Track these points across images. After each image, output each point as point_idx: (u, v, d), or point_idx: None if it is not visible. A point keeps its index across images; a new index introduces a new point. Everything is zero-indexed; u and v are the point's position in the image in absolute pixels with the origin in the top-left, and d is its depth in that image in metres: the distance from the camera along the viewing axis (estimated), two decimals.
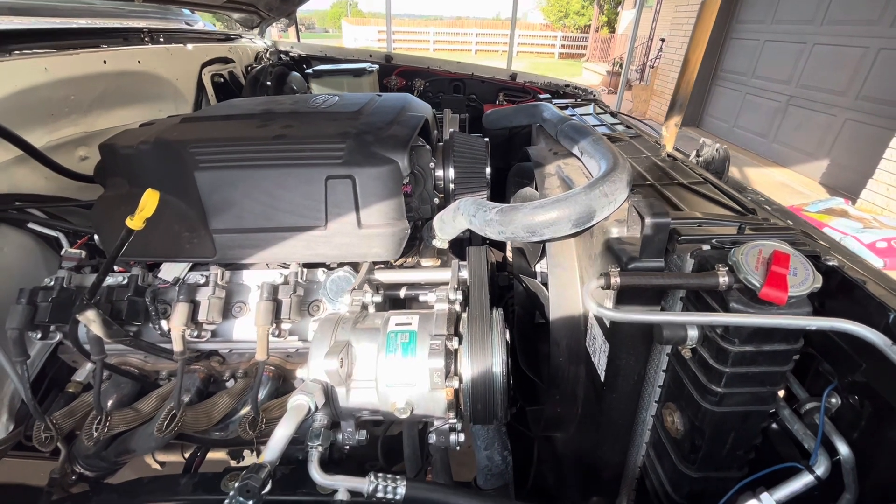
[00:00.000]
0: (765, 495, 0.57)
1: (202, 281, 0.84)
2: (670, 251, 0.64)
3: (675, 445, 0.69)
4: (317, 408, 0.58)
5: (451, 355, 0.61)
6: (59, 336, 0.87)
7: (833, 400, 0.57)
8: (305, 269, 0.87)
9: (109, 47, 1.14)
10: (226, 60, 1.64)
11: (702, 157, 1.06)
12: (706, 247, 0.61)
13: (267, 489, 0.52)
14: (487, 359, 0.60)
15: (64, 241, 0.97)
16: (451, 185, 1.00)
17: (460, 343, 0.62)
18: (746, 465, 0.66)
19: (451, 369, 0.60)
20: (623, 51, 10.99)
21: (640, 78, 9.71)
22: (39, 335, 0.84)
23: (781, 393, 0.62)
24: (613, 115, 1.63)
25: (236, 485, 0.51)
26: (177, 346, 0.79)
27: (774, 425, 0.65)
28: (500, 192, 1.46)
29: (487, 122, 1.47)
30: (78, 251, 0.95)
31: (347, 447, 0.69)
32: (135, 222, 0.70)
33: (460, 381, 0.60)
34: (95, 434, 0.82)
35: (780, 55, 5.51)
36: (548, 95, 2.09)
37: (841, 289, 0.55)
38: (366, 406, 0.63)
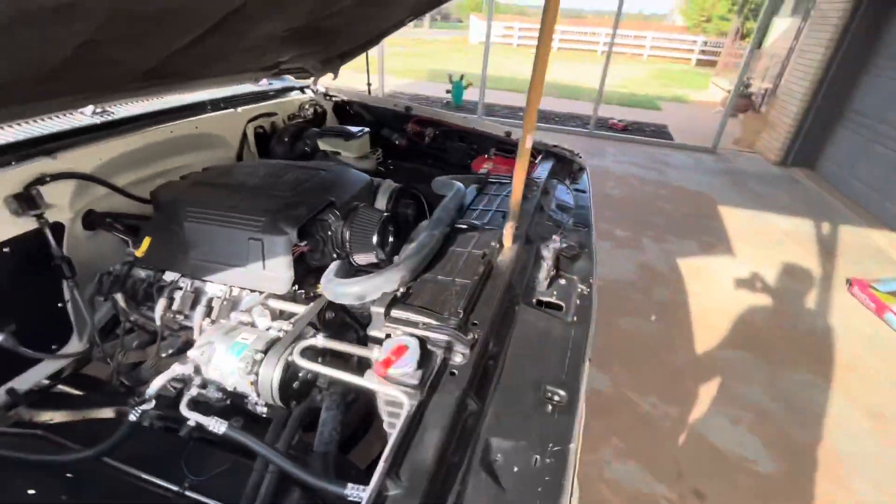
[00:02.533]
0: None
1: (180, 285, 1.42)
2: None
3: None
4: (186, 374, 1.10)
5: (255, 363, 1.08)
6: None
7: None
8: (238, 289, 1.40)
9: (176, 121, 1.79)
10: (270, 114, 2.25)
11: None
12: (399, 332, 0.99)
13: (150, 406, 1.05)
14: (269, 370, 1.06)
15: (130, 244, 1.63)
16: (348, 245, 1.45)
17: (264, 355, 1.09)
18: None
19: (253, 370, 1.08)
20: (769, 65, 9.90)
21: (762, 102, 8.75)
22: (103, 299, 1.50)
23: None
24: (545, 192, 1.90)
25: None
26: (158, 321, 1.38)
27: None
28: None
29: (433, 186, 1.86)
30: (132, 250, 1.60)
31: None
32: (139, 252, 1.29)
33: (256, 377, 1.07)
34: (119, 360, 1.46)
35: None
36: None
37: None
38: (214, 380, 1.14)
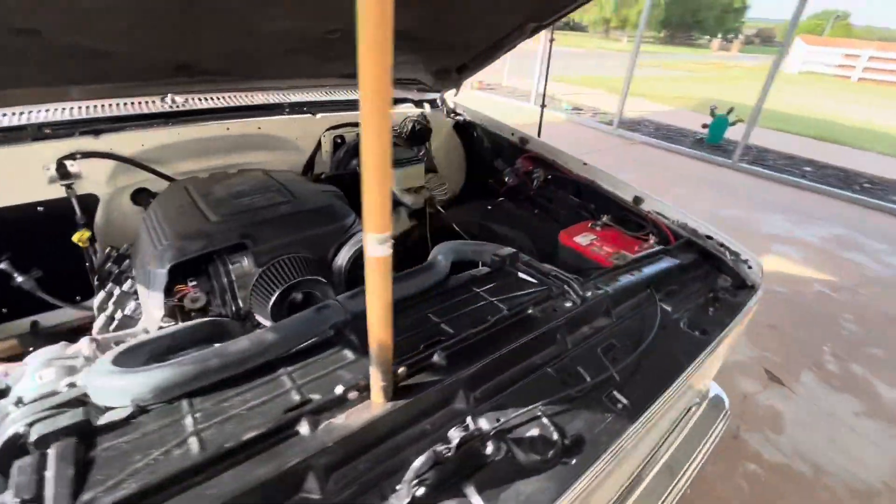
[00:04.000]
0: None
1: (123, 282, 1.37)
2: None
3: None
4: None
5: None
6: None
7: None
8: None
9: (241, 119, 1.78)
10: (357, 125, 2.05)
11: None
12: None
13: None
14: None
15: None
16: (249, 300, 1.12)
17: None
18: None
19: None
20: None
21: None
22: None
23: None
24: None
25: None
26: (95, 311, 1.36)
27: None
28: None
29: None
30: None
31: None
32: (74, 238, 1.28)
33: None
34: None
35: None
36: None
37: None
38: None
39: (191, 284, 1.12)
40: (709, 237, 1.45)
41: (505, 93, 10.72)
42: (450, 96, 2.40)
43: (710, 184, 5.93)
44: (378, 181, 0.56)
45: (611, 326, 1.11)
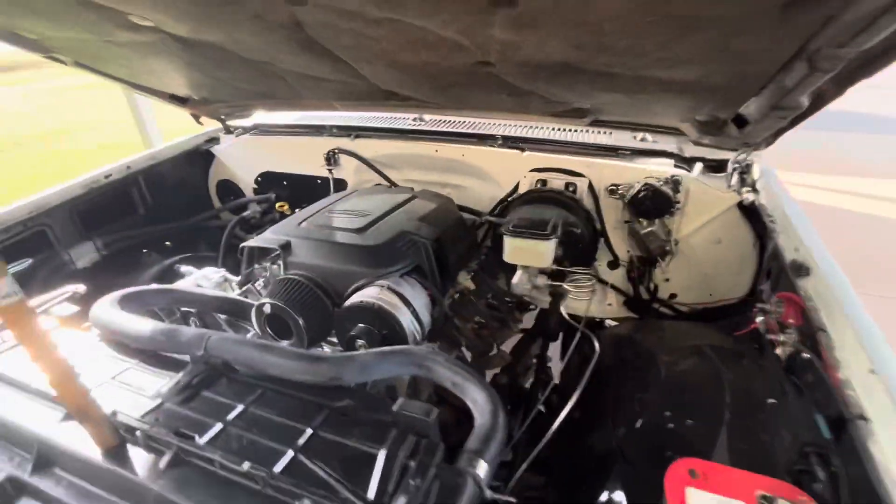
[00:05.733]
0: None
1: None
2: None
3: None
4: None
5: None
6: None
7: None
8: None
9: (454, 144, 1.82)
10: (568, 172, 1.59)
11: None
12: None
13: None
14: None
15: None
16: None
17: None
18: None
19: None
20: None
21: None
22: None
23: None
24: None
25: None
26: None
27: None
28: None
29: None
30: None
31: None
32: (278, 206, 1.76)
33: None
34: None
35: None
36: None
37: None
38: None
39: (257, 267, 1.36)
40: None
41: None
42: (759, 159, 1.52)
43: None
44: None
45: None
